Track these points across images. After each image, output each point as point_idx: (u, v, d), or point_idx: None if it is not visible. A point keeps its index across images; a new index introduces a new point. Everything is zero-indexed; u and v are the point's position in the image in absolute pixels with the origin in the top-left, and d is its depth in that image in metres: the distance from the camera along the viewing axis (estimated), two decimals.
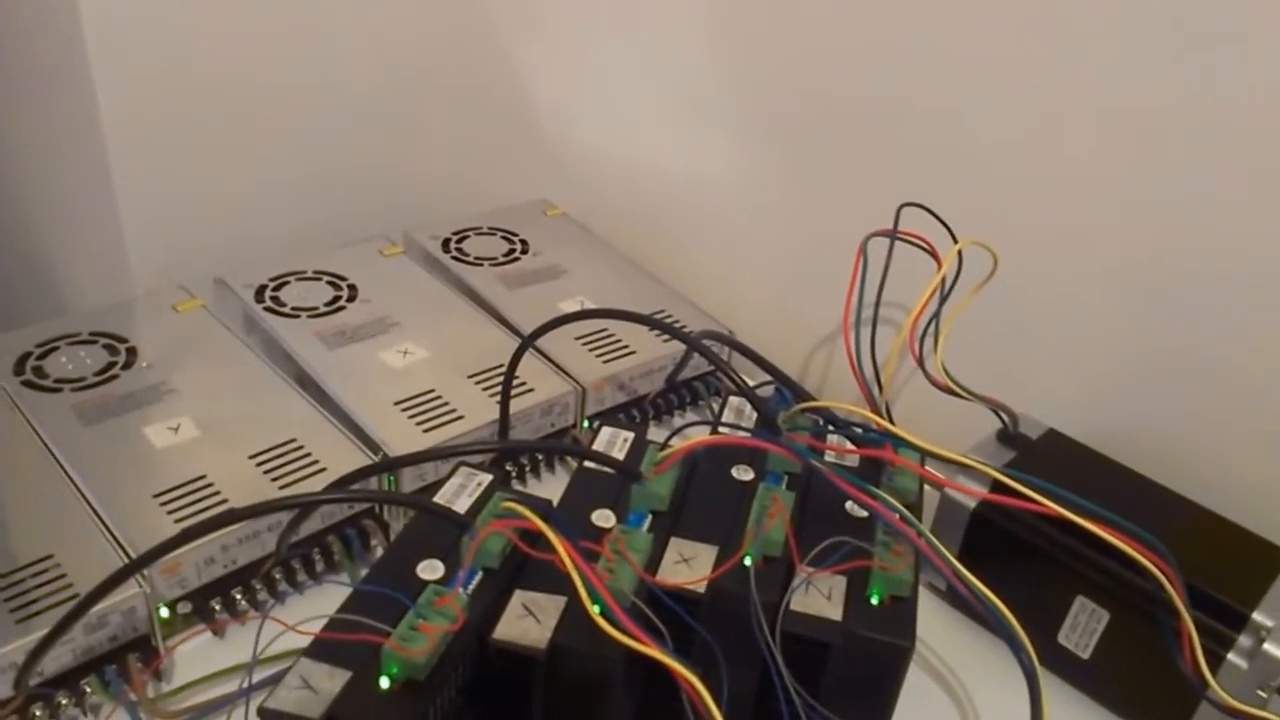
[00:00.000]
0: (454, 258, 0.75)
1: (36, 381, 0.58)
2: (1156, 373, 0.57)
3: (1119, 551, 0.43)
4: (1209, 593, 0.45)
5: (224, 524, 0.42)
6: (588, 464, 0.47)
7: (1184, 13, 0.50)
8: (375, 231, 0.77)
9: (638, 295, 0.74)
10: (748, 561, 0.41)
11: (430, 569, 0.40)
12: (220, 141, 0.75)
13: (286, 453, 0.55)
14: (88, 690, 0.45)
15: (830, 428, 0.51)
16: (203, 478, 0.52)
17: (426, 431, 0.57)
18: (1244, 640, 0.45)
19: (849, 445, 0.50)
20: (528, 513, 0.40)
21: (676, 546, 0.43)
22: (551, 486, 0.58)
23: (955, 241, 0.54)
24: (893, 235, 0.55)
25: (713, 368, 0.69)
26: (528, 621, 0.38)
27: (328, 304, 0.68)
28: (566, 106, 0.85)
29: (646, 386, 0.67)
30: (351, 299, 0.69)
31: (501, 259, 0.76)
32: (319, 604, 0.38)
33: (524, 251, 0.77)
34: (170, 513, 0.50)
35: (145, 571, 0.46)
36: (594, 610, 0.37)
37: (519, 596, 0.39)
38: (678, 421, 0.69)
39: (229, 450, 0.54)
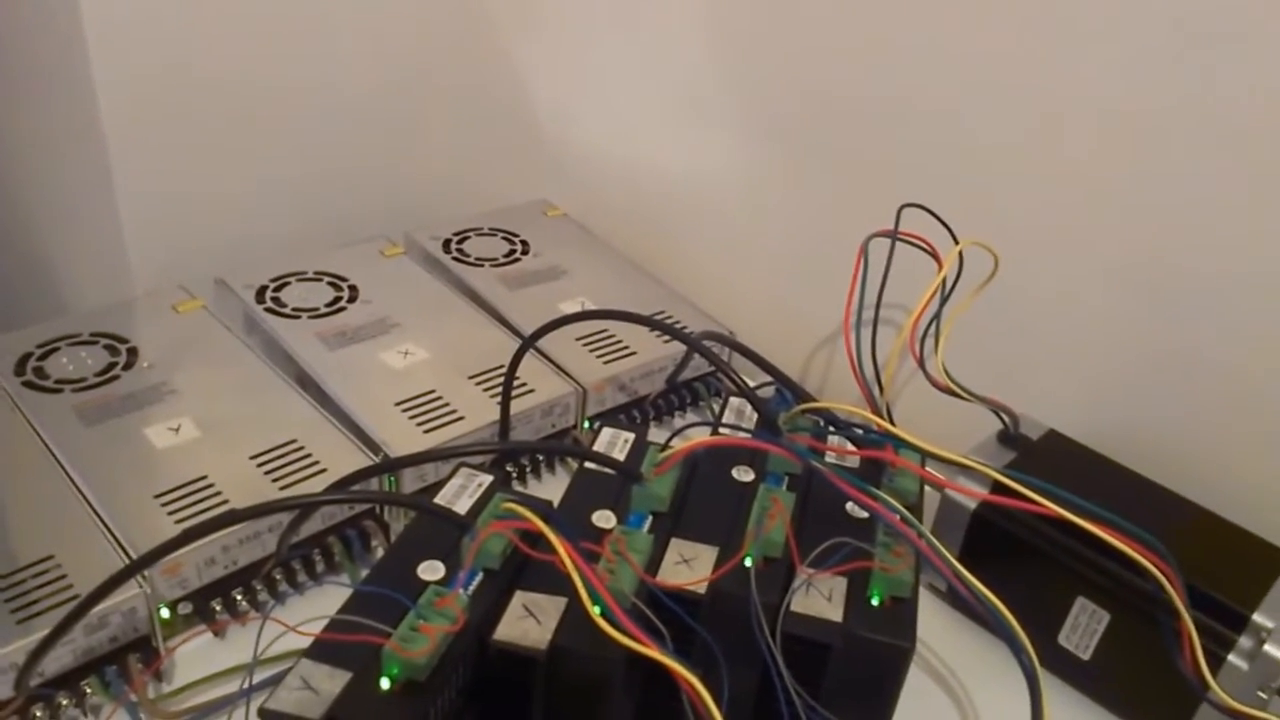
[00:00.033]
0: (454, 258, 0.75)
1: (37, 382, 0.58)
2: (1157, 373, 0.57)
3: (1119, 552, 0.43)
4: (1209, 594, 0.45)
5: (225, 525, 0.42)
6: (588, 465, 0.47)
7: (1184, 13, 0.50)
8: (376, 232, 0.77)
9: (638, 296, 0.74)
10: (748, 562, 0.41)
11: (431, 570, 0.40)
12: (220, 141, 0.75)
13: (287, 453, 0.55)
14: (88, 691, 0.45)
15: (831, 429, 0.51)
16: (203, 478, 0.52)
17: (427, 432, 0.57)
18: (1244, 641, 0.45)
19: (849, 446, 0.50)
20: (528, 514, 0.40)
21: (677, 547, 0.43)
22: (552, 487, 0.58)
23: (956, 242, 0.54)
24: (893, 236, 0.55)
25: (713, 368, 0.69)
26: (528, 622, 0.38)
27: (328, 305, 0.68)
28: (567, 106, 0.85)
29: (647, 387, 0.67)
30: (352, 300, 0.69)
31: (502, 259, 0.76)
32: (319, 605, 0.38)
33: (524, 252, 0.77)
34: (171, 513, 0.50)
35: (146, 572, 0.46)
36: (594, 611, 0.37)
37: (519, 597, 0.39)
38: (678, 422, 0.69)
39: (230, 451, 0.54)
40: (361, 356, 0.63)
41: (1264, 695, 0.44)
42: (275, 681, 0.35)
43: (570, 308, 0.70)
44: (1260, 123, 0.50)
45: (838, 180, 0.68)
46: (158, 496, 0.51)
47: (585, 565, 0.38)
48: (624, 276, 0.76)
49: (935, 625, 0.54)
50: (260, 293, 0.68)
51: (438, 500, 0.44)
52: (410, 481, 0.56)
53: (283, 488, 0.52)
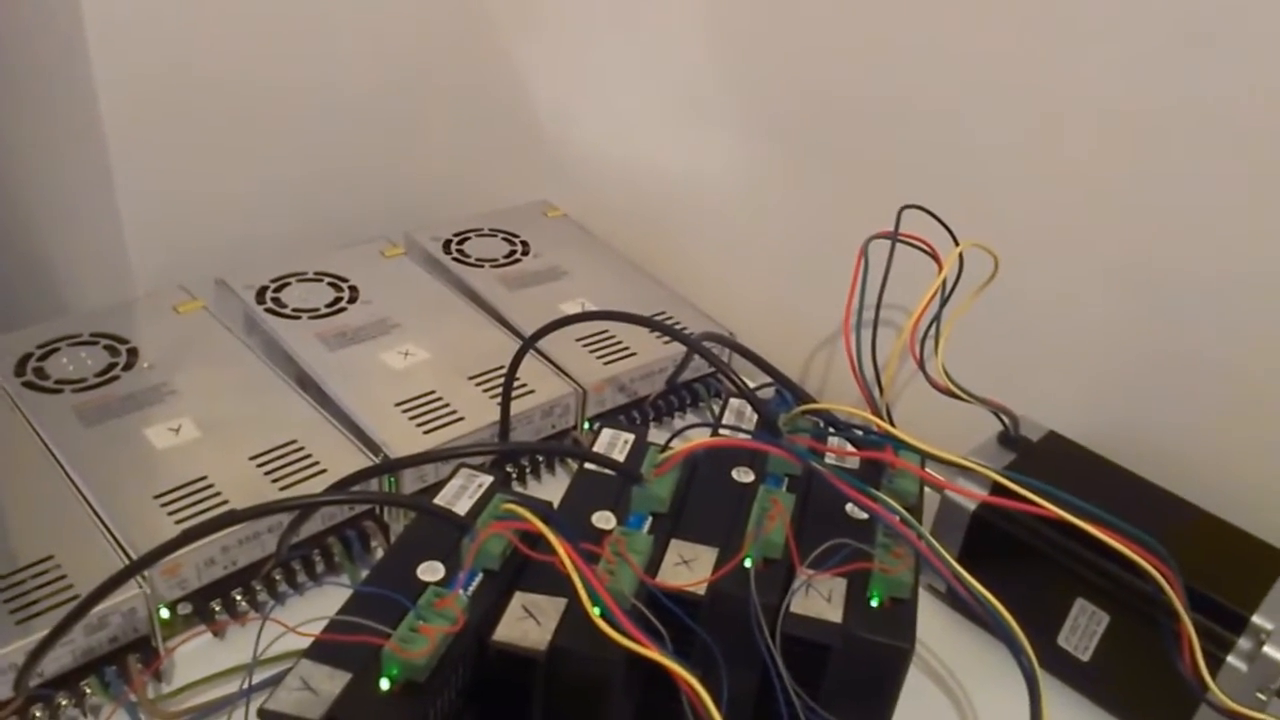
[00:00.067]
0: (455, 259, 0.75)
1: (37, 382, 0.58)
2: (1157, 375, 0.57)
3: (1119, 554, 0.43)
4: (1209, 595, 0.45)
5: (224, 525, 0.42)
6: (588, 466, 0.47)
7: (1184, 13, 0.50)
8: (376, 232, 0.77)
9: (638, 297, 0.74)
10: (748, 563, 0.41)
11: (431, 571, 0.40)
12: (221, 142, 0.75)
13: (287, 454, 0.55)
14: (88, 691, 0.45)
15: (831, 430, 0.51)
16: (203, 479, 0.52)
17: (427, 433, 0.57)
18: (1244, 643, 0.45)
19: (849, 447, 0.50)
20: (528, 514, 0.41)
21: (677, 548, 0.43)
22: (552, 488, 0.58)
23: (956, 243, 0.54)
24: (894, 237, 0.55)
25: (713, 369, 0.69)
26: (528, 623, 0.38)
27: (329, 305, 0.68)
28: (567, 107, 0.85)
29: (647, 388, 0.67)
30: (352, 300, 0.69)
31: (502, 260, 0.76)
32: (319, 605, 0.38)
33: (525, 253, 0.77)
34: (171, 514, 0.50)
35: (146, 572, 0.46)
36: (594, 612, 0.37)
37: (519, 598, 0.39)
38: (678, 423, 0.69)
39: (230, 451, 0.54)
40: (361, 357, 0.63)
41: (1263, 697, 0.44)
42: (275, 682, 0.35)
43: (570, 308, 0.70)
44: (1260, 123, 0.50)
45: (838, 180, 0.68)
46: (157, 497, 0.51)
47: (585, 566, 0.38)
48: (624, 277, 0.76)
49: (935, 626, 0.54)
50: (260, 293, 0.68)
51: (437, 501, 0.44)
52: (410, 482, 0.56)
53: (282, 488, 0.52)
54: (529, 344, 0.57)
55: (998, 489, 0.47)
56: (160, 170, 0.72)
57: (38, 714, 0.44)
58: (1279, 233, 0.51)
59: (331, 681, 0.35)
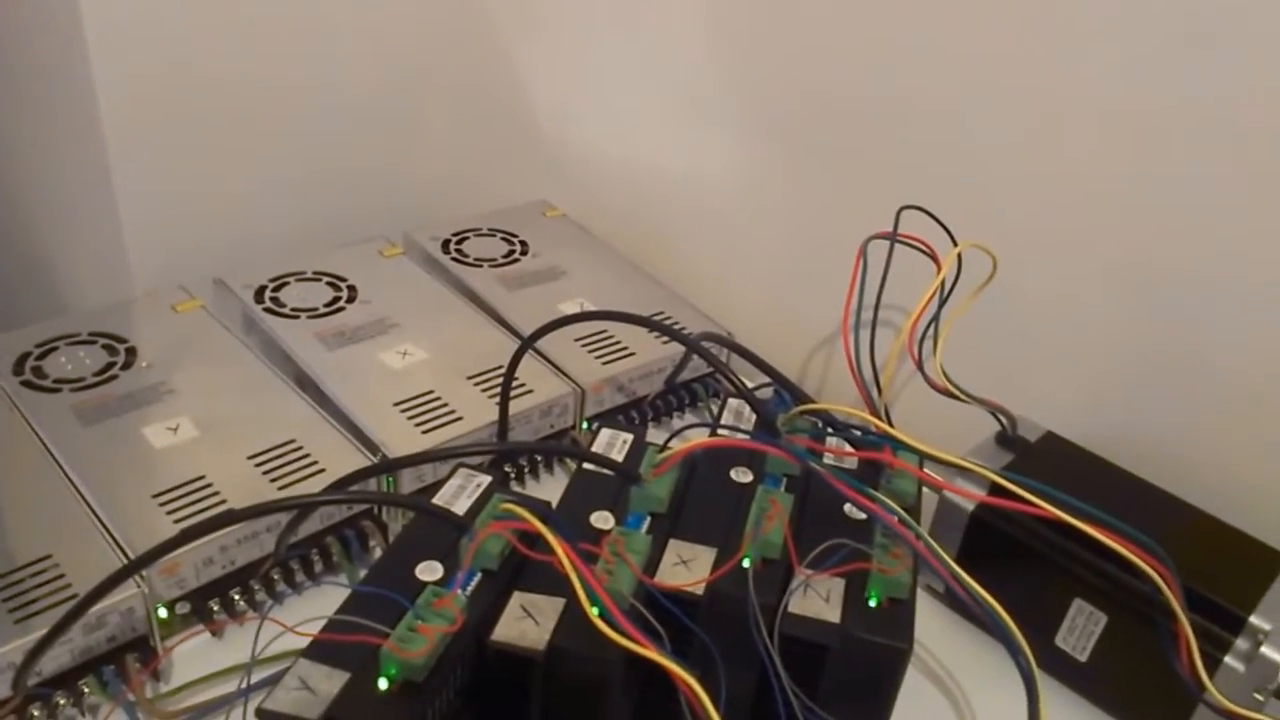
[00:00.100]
0: (454, 259, 0.75)
1: (36, 381, 0.58)
2: (1155, 375, 0.57)
3: (1117, 554, 0.43)
4: (1206, 596, 0.45)
5: (223, 525, 0.42)
6: (587, 466, 0.47)
7: (1184, 13, 0.50)
8: (375, 232, 0.77)
9: (637, 297, 0.74)
10: (746, 563, 0.41)
11: (429, 570, 0.40)
12: (220, 141, 0.75)
13: (285, 453, 0.55)
14: (86, 690, 0.45)
15: (829, 430, 0.51)
16: (202, 478, 0.52)
17: (426, 433, 0.57)
18: (1241, 643, 0.45)
19: (848, 448, 0.50)
20: (526, 514, 0.41)
21: (675, 548, 0.43)
22: (550, 488, 0.58)
23: (955, 244, 0.54)
24: (892, 238, 0.55)
25: (712, 370, 0.69)
26: (526, 623, 0.38)
27: (327, 305, 0.68)
28: (566, 107, 0.85)
29: (646, 388, 0.67)
30: (351, 300, 0.69)
31: (501, 260, 0.76)
32: (317, 605, 0.38)
33: (523, 253, 0.77)
34: (169, 513, 0.50)
35: (144, 572, 0.46)
36: (592, 612, 0.37)
37: (517, 598, 0.39)
38: (677, 423, 0.69)
39: (228, 451, 0.54)
40: (360, 357, 0.63)
41: (1260, 697, 0.44)
42: (273, 682, 0.35)
43: (569, 308, 0.70)
44: (1260, 123, 0.50)
45: (837, 181, 0.69)
46: (156, 496, 0.51)
47: (583, 566, 0.38)
48: (623, 277, 0.76)
49: (933, 626, 0.54)
50: (259, 293, 0.68)
51: (436, 501, 0.44)
52: (408, 482, 0.56)
53: (281, 488, 0.52)
54: (528, 344, 0.57)
55: (996, 489, 0.47)
56: (159, 170, 0.72)
57: (36, 713, 0.44)
58: (1279, 233, 0.51)
59: (330, 681, 0.35)
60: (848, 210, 0.66)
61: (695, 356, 0.64)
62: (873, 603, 0.41)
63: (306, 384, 0.61)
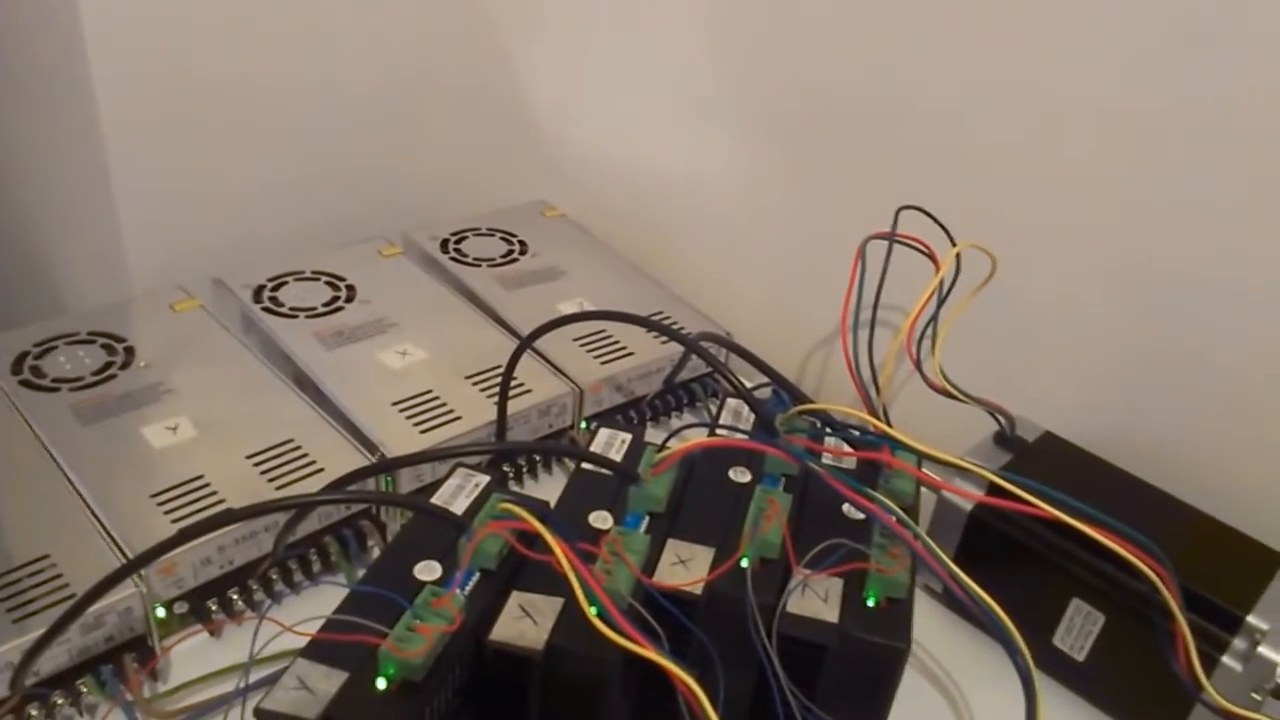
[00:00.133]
0: (452, 258, 0.75)
1: (34, 381, 0.58)
2: (1154, 376, 0.57)
3: (1115, 554, 0.43)
4: (1204, 596, 0.45)
5: (221, 524, 0.42)
6: (585, 465, 0.47)
7: (1184, 13, 0.50)
8: (374, 232, 0.77)
9: (636, 296, 0.74)
10: (744, 563, 0.41)
11: (427, 570, 0.40)
12: (219, 141, 0.75)
13: (284, 453, 0.55)
14: (84, 690, 0.45)
15: (827, 430, 0.51)
16: (200, 478, 0.52)
17: (424, 432, 0.57)
18: (1239, 643, 0.45)
19: (846, 447, 0.50)
20: (525, 514, 0.41)
21: (674, 548, 0.43)
22: (549, 488, 0.58)
23: (953, 244, 0.54)
24: (891, 238, 0.55)
25: (710, 369, 0.69)
26: (525, 623, 0.38)
27: (326, 304, 0.68)
28: (566, 107, 0.85)
29: (644, 388, 0.67)
30: (350, 299, 0.69)
31: (500, 260, 0.76)
32: (316, 605, 0.38)
33: (522, 252, 0.77)
34: (167, 513, 0.50)
35: (142, 571, 0.46)
36: (591, 612, 0.37)
37: (516, 598, 0.39)
38: (675, 423, 0.69)
39: (226, 450, 0.54)
40: (359, 356, 0.63)
41: (1258, 697, 0.44)
42: (271, 681, 0.35)
43: (568, 308, 0.70)
44: (1260, 123, 0.50)
45: (837, 181, 0.69)
46: (154, 496, 0.51)
47: (582, 566, 0.38)
48: (622, 277, 0.76)
49: (931, 626, 0.54)
50: (258, 292, 0.68)
51: (434, 500, 0.44)
52: (407, 481, 0.56)
53: (279, 487, 0.52)
54: (526, 343, 0.57)
55: (994, 489, 0.47)
56: (158, 170, 0.72)
57: (34, 713, 0.44)
58: (1279, 233, 0.51)
59: (328, 681, 0.35)
60: (847, 210, 0.66)
61: (694, 356, 0.64)
62: (871, 602, 0.41)
63: (305, 384, 0.61)
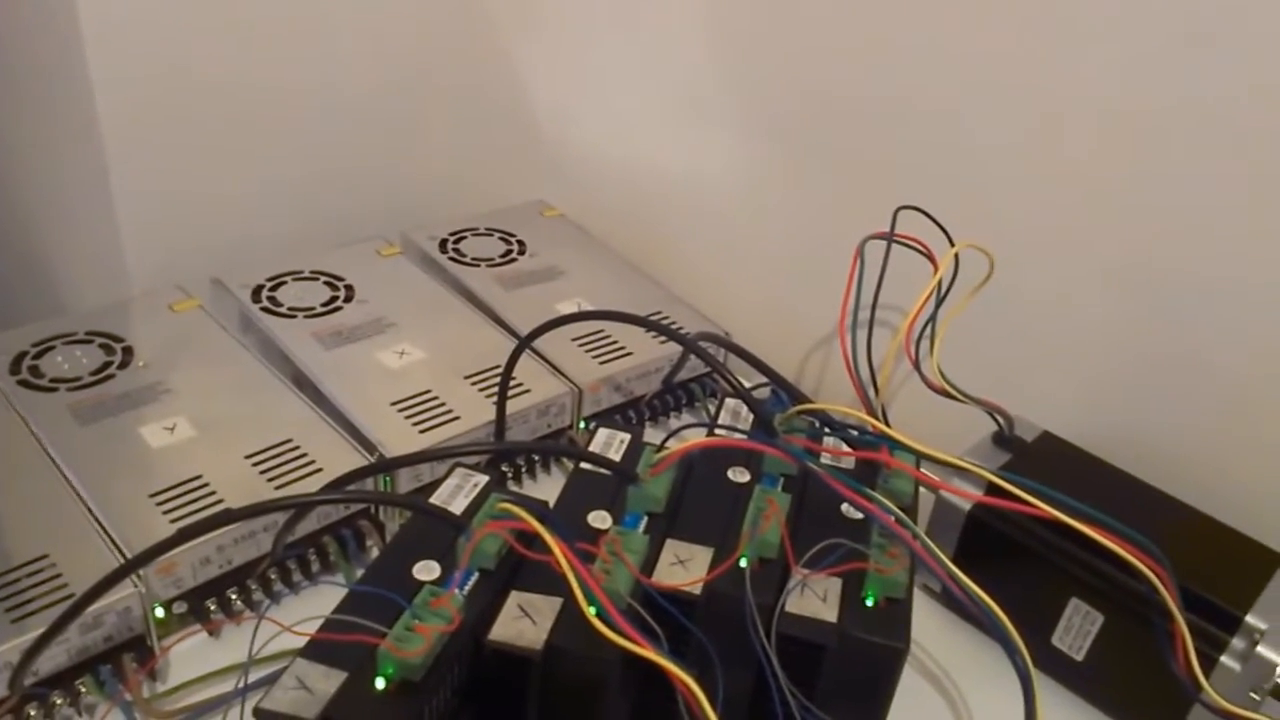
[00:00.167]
0: (451, 258, 0.75)
1: (32, 381, 0.58)
2: (1153, 376, 0.57)
3: (1113, 554, 0.43)
4: (1203, 595, 0.45)
5: (220, 524, 0.42)
6: (584, 465, 0.47)
7: (1184, 13, 0.50)
8: (374, 232, 0.77)
9: (635, 296, 0.74)
10: (743, 563, 0.41)
11: (426, 570, 0.40)
12: (218, 142, 0.75)
13: (283, 453, 0.55)
14: (83, 690, 0.45)
15: (826, 430, 0.51)
16: (199, 478, 0.52)
17: (423, 432, 0.57)
18: (1237, 643, 0.45)
19: (844, 447, 0.50)
20: (524, 514, 0.41)
21: (672, 548, 0.43)
22: (548, 488, 0.58)
23: (951, 244, 0.54)
24: (889, 238, 0.55)
25: (709, 369, 0.69)
26: (523, 623, 0.38)
27: (324, 304, 0.68)
28: (565, 107, 0.85)
29: (643, 388, 0.67)
30: (348, 299, 0.69)
31: (499, 260, 0.76)
32: (315, 605, 0.38)
33: (521, 252, 0.77)
34: (166, 513, 0.50)
35: (141, 571, 0.46)
36: (590, 611, 0.37)
37: (515, 598, 0.39)
38: (674, 423, 0.69)
39: (225, 450, 0.54)
40: (357, 356, 0.63)
41: (1256, 696, 0.44)
42: (270, 681, 0.35)
43: (567, 308, 0.70)
44: (1260, 123, 0.50)
45: (836, 181, 0.69)
46: (153, 496, 0.51)
47: (580, 566, 0.38)
48: (621, 277, 0.76)
49: (929, 626, 0.54)
50: (256, 292, 0.68)
51: (433, 500, 0.44)
52: (406, 481, 0.56)
53: (278, 487, 0.52)
54: (525, 343, 0.57)
55: (993, 489, 0.47)
56: (157, 170, 0.72)
57: (33, 713, 0.44)
58: (1278, 233, 0.51)
59: (327, 681, 0.35)
60: (847, 210, 0.66)
61: (693, 356, 0.63)
62: (870, 602, 0.41)
63: (304, 383, 0.61)
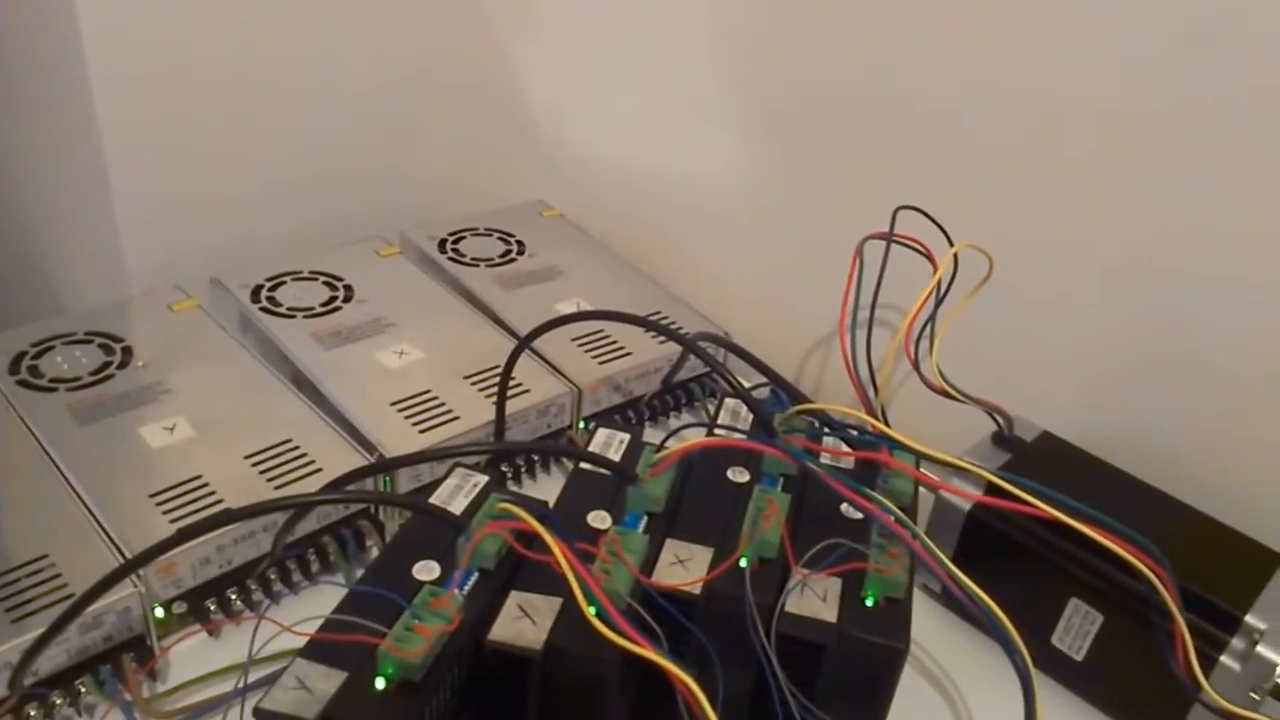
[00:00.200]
0: (450, 258, 0.75)
1: (32, 381, 0.58)
2: (1153, 376, 0.57)
3: (1113, 554, 0.43)
4: (1202, 595, 0.45)
5: (220, 524, 0.42)
6: (583, 465, 0.47)
7: (1184, 13, 0.50)
8: (373, 232, 0.77)
9: (634, 296, 0.74)
10: (743, 563, 0.41)
11: (426, 570, 0.40)
12: (217, 142, 0.75)
13: (282, 453, 0.55)
14: (82, 690, 0.45)
15: (826, 430, 0.51)
16: (198, 478, 0.52)
17: (423, 432, 0.57)
18: (1237, 643, 0.45)
19: (844, 447, 0.50)
20: (523, 514, 0.41)
21: (672, 548, 0.43)
22: (547, 488, 0.58)
23: (951, 244, 0.54)
24: (889, 238, 0.55)
25: (709, 369, 0.69)
26: (523, 623, 0.38)
27: (324, 304, 0.68)
28: (563, 107, 0.85)
29: (642, 388, 0.67)
30: (348, 299, 0.69)
31: (498, 260, 0.76)
32: (314, 605, 0.38)
33: (520, 252, 0.77)
34: (166, 513, 0.50)
35: (140, 571, 0.46)
36: (589, 611, 0.37)
37: (514, 598, 0.39)
38: (673, 423, 0.69)
39: (225, 450, 0.54)
40: (357, 356, 0.63)
41: (1256, 696, 0.44)
42: (270, 681, 0.35)
43: (566, 308, 0.70)
44: (1260, 123, 0.50)
45: (836, 181, 0.69)
46: (152, 496, 0.51)
47: (580, 565, 0.38)
48: (620, 277, 0.76)
49: (929, 626, 0.54)
50: (255, 292, 0.68)
51: (433, 500, 0.44)
52: (405, 481, 0.56)
53: (278, 487, 0.52)
54: (524, 343, 0.57)
55: (992, 489, 0.47)
56: (156, 170, 0.72)
57: (32, 713, 0.44)
58: (1278, 233, 0.51)
59: (327, 681, 0.35)
60: (846, 210, 0.66)
61: (692, 356, 0.63)
62: (869, 602, 0.41)
63: (303, 383, 0.61)
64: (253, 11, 0.73)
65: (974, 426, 0.56)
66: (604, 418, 0.65)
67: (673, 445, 0.47)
